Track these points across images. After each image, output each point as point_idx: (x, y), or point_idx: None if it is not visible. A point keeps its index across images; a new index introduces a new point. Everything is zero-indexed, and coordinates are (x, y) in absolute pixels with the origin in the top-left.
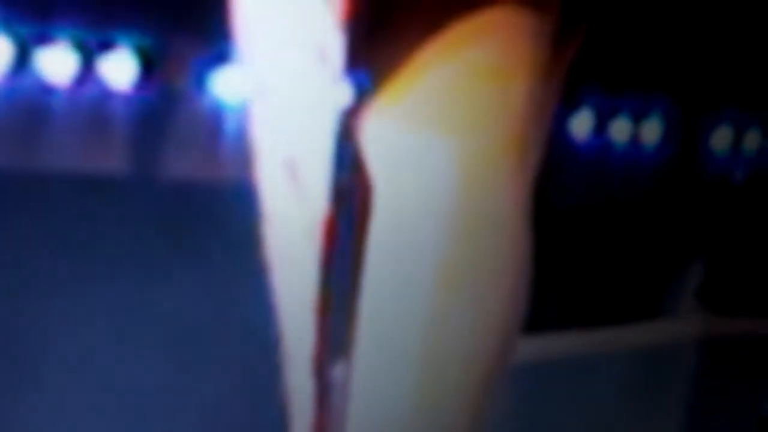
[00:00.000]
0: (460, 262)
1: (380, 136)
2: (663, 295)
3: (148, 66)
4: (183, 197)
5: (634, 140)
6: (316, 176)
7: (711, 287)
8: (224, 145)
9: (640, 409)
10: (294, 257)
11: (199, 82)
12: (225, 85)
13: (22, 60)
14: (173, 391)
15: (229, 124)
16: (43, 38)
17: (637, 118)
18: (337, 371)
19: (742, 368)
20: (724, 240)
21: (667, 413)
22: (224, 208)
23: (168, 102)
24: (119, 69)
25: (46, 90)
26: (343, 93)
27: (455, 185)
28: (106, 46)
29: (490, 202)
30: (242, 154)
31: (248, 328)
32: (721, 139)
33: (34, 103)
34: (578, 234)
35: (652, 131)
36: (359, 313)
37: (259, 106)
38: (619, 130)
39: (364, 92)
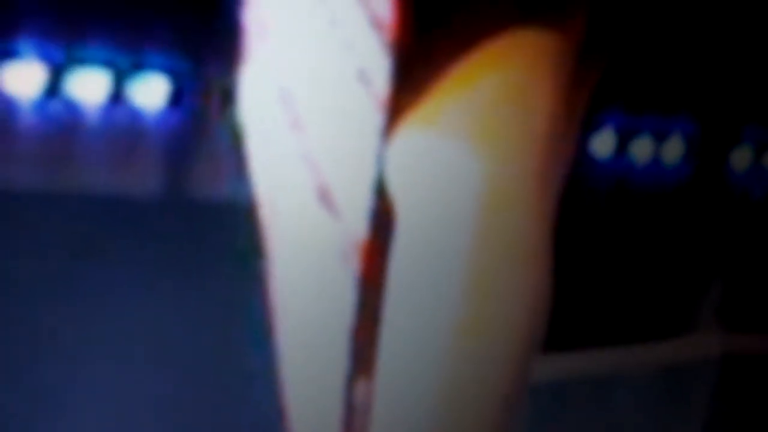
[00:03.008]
0: (482, 278)
1: (409, 150)
2: (683, 313)
3: (179, 89)
4: (213, 218)
5: (656, 159)
6: (355, 200)
7: (731, 305)
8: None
9: (661, 426)
10: (327, 282)
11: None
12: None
13: (55, 82)
14: (184, 405)
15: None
16: (75, 61)
17: (659, 137)
18: (358, 391)
19: (763, 385)
20: (744, 258)
21: (687, 430)
22: (255, 229)
23: (198, 124)
24: (150, 92)
25: (78, 112)
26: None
27: (480, 200)
28: (137, 69)
29: (512, 219)
30: None
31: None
32: (741, 157)
33: (66, 125)
34: (599, 252)
35: (673, 150)
36: (381, 332)
37: (292, 134)
38: (641, 149)
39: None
